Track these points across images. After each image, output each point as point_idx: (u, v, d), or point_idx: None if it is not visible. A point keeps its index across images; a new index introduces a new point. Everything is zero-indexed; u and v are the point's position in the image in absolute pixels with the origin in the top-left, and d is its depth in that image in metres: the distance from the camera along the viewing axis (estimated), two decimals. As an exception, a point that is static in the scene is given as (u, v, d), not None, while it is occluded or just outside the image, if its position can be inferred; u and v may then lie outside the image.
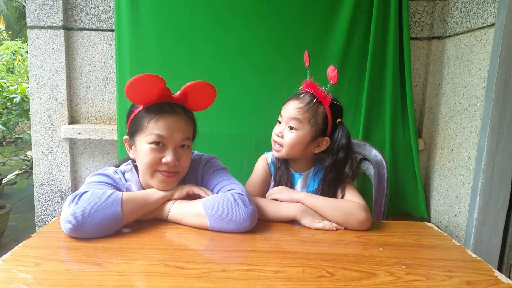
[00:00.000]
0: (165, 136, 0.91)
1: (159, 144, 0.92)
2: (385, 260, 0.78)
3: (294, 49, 1.74)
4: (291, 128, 1.06)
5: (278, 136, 1.08)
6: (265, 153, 1.19)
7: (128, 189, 0.98)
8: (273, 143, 1.10)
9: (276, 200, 1.03)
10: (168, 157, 0.92)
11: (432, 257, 0.82)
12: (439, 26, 1.84)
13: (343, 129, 1.08)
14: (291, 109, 1.06)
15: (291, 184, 1.11)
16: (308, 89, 1.08)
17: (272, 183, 1.14)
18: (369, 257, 0.79)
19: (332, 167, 1.06)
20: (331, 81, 1.06)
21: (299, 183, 1.12)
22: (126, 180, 1.00)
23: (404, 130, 1.81)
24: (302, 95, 1.07)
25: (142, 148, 0.93)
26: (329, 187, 1.07)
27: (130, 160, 1.04)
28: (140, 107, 0.94)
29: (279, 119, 1.10)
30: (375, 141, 1.76)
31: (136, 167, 1.01)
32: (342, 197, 1.06)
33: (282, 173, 1.11)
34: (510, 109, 1.44)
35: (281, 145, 1.07)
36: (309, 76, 1.11)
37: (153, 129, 0.91)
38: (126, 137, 0.99)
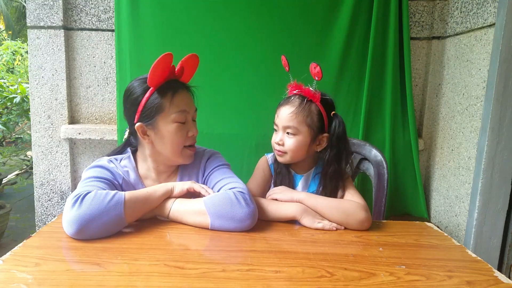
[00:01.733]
0: (188, 110, 0.98)
1: (184, 119, 0.98)
2: (385, 260, 0.78)
3: (294, 49, 1.75)
4: (288, 134, 1.06)
5: (279, 144, 1.07)
6: (265, 154, 1.19)
7: (124, 176, 0.99)
8: (274, 151, 1.10)
9: (276, 200, 1.03)
10: (193, 130, 1.00)
11: (432, 257, 0.82)
12: (439, 26, 1.84)
13: (338, 120, 1.08)
14: (284, 115, 1.05)
15: (292, 186, 1.11)
16: (295, 91, 1.08)
17: (273, 185, 1.14)
18: (369, 257, 0.79)
19: (333, 160, 1.07)
20: (316, 78, 1.05)
21: (300, 184, 1.12)
22: (122, 167, 1.00)
23: (404, 130, 1.81)
24: (292, 98, 1.07)
25: (167, 128, 0.96)
26: (331, 182, 1.07)
27: (128, 148, 1.05)
28: (148, 92, 0.95)
29: (275, 127, 1.10)
30: (375, 141, 1.76)
31: (134, 154, 1.03)
32: (342, 197, 1.06)
33: (283, 177, 1.11)
34: (510, 109, 1.44)
35: (284, 152, 1.07)
36: (291, 79, 1.11)
37: (177, 106, 0.96)
38: (139, 124, 0.97)
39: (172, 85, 0.97)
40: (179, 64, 0.99)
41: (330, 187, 1.07)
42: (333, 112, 1.09)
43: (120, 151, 1.07)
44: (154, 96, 0.95)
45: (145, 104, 0.95)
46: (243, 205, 0.89)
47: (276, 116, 1.09)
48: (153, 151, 1.01)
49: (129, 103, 0.99)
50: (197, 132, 1.03)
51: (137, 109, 0.97)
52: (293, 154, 1.06)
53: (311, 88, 1.07)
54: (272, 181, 1.14)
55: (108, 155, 1.05)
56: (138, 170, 1.03)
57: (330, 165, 1.07)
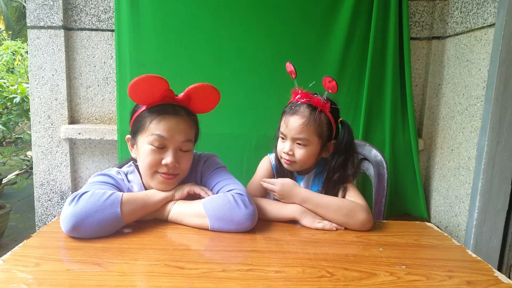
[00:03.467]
0: (166, 137, 0.91)
1: (160, 145, 0.92)
2: (385, 260, 0.78)
3: (294, 49, 1.75)
4: (299, 144, 1.04)
5: (288, 154, 1.05)
6: (268, 154, 1.18)
7: (129, 190, 0.98)
8: (282, 160, 1.08)
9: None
10: (168, 159, 0.92)
11: (432, 257, 0.82)
12: (439, 26, 1.84)
13: (347, 127, 1.08)
14: (294, 126, 1.02)
15: None
16: (303, 100, 1.05)
17: None
18: (369, 257, 0.79)
19: (340, 166, 1.06)
20: (330, 91, 1.02)
21: (302, 185, 1.12)
22: (128, 181, 1.00)
23: (404, 130, 1.81)
24: (301, 108, 1.04)
25: (143, 148, 0.93)
26: (334, 187, 1.06)
27: (132, 161, 1.04)
28: (143, 107, 0.94)
29: (281, 135, 1.07)
30: (375, 141, 1.76)
31: (138, 167, 1.01)
32: (344, 196, 1.05)
33: (285, 177, 1.10)
34: (510, 109, 1.44)
35: (293, 162, 1.05)
36: (297, 85, 1.09)
37: (154, 129, 0.91)
38: (128, 136, 1.00)
39: (164, 108, 0.92)
40: (185, 92, 0.95)
41: (333, 191, 1.06)
42: (340, 119, 1.09)
43: (128, 163, 1.06)
44: (143, 114, 0.94)
45: (135, 118, 0.96)
46: (242, 207, 0.89)
47: (283, 125, 1.06)
48: None
49: (131, 113, 1.00)
50: (174, 163, 0.92)
51: (130, 121, 0.98)
52: (303, 163, 1.06)
53: (320, 98, 1.04)
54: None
55: (119, 167, 1.04)
56: (143, 184, 1.01)
57: (335, 172, 1.06)
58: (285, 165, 1.09)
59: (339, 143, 1.07)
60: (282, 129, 1.07)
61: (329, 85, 1.01)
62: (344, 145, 1.06)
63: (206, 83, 0.95)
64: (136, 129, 0.95)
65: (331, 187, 1.07)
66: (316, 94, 1.06)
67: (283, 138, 1.08)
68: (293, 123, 1.03)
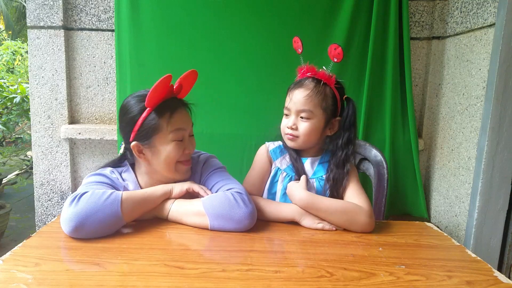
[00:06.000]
0: (185, 128, 0.97)
1: (181, 137, 0.96)
2: (385, 260, 0.78)
3: (294, 49, 1.74)
4: (303, 118, 1.03)
5: (292, 128, 1.04)
6: (266, 142, 1.17)
7: (125, 188, 0.98)
8: (285, 136, 1.07)
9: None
10: (190, 147, 0.98)
11: (432, 257, 0.82)
12: (439, 26, 1.84)
13: (352, 104, 1.07)
14: (299, 98, 1.02)
15: (300, 168, 1.08)
16: (308, 74, 1.06)
17: (273, 171, 1.11)
18: (369, 257, 0.79)
19: (346, 145, 1.05)
20: (335, 60, 1.03)
21: (305, 167, 1.09)
22: (123, 180, 1.00)
23: (404, 130, 1.81)
24: (305, 81, 1.05)
25: (166, 146, 0.94)
26: (340, 168, 1.05)
27: (125, 161, 1.04)
28: (146, 111, 0.93)
29: (286, 111, 1.07)
30: (375, 141, 1.76)
31: (132, 167, 1.01)
32: (346, 186, 1.04)
33: (290, 157, 1.09)
34: (510, 109, 1.44)
35: (296, 136, 1.04)
36: (303, 62, 1.09)
37: (174, 125, 0.94)
38: (135, 143, 0.95)
39: (169, 104, 0.94)
40: (177, 82, 0.96)
41: (338, 173, 1.05)
42: (346, 96, 1.08)
43: (117, 164, 1.05)
44: (151, 117, 0.93)
45: (141, 124, 0.93)
46: (241, 205, 0.89)
47: (288, 99, 1.06)
48: (149, 169, 0.99)
49: (125, 121, 0.96)
50: (194, 148, 1.02)
51: (133, 129, 0.94)
52: (306, 138, 1.04)
53: (325, 72, 1.05)
54: (274, 165, 1.11)
55: (107, 165, 1.03)
56: (139, 183, 1.01)
57: (342, 150, 1.05)
58: (288, 142, 1.07)
59: (344, 120, 1.06)
60: (287, 103, 1.06)
61: (335, 52, 1.02)
62: (348, 122, 1.06)
63: (190, 70, 0.98)
64: (148, 133, 0.93)
65: (336, 167, 1.05)
66: (323, 68, 1.06)
67: (287, 115, 1.07)
68: (297, 95, 1.03)
